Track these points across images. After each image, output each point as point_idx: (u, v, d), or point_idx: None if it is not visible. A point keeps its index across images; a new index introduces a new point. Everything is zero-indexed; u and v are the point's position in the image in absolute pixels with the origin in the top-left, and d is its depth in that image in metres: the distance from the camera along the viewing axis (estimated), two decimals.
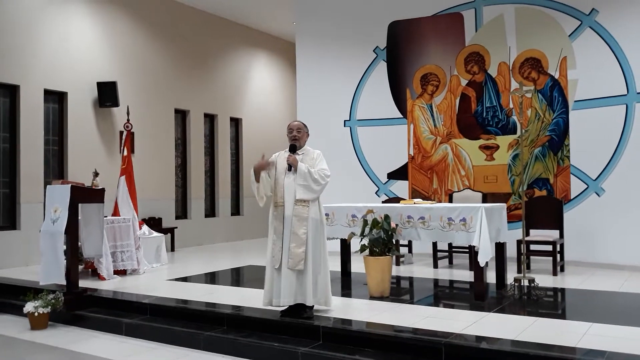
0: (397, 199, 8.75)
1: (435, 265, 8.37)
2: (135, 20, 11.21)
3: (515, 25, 9.09)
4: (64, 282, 6.61)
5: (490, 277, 6.54)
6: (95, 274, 7.83)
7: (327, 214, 6.63)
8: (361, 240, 6.29)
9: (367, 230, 6.21)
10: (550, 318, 5.26)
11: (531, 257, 7.93)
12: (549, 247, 7.52)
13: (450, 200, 8.46)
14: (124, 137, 8.85)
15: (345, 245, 7.55)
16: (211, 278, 8.09)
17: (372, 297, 6.17)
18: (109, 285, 7.34)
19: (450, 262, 8.67)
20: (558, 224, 7.84)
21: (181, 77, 12.18)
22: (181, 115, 12.38)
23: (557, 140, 8.74)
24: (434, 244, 8.34)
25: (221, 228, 13.06)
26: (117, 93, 10.24)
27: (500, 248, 6.58)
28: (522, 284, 6.22)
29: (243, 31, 13.86)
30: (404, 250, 8.84)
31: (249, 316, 5.53)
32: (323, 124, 10.12)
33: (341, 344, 4.85)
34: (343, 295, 6.39)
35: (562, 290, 6.74)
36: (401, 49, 10.08)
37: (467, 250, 8.16)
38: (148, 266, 8.64)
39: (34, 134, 9.41)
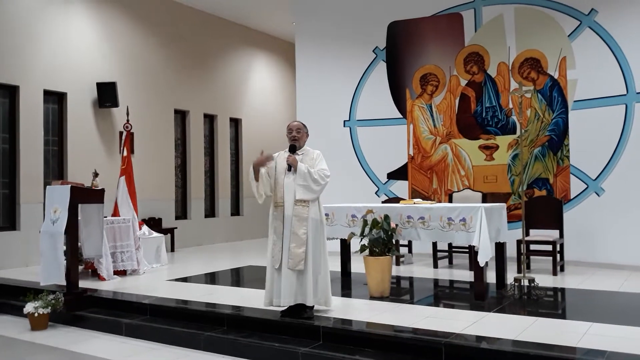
0: (396, 199, 8.75)
1: (435, 265, 8.38)
2: (134, 20, 11.21)
3: (514, 26, 9.10)
4: (64, 283, 6.61)
5: (490, 277, 6.55)
6: (95, 274, 7.83)
7: (327, 214, 6.63)
8: (361, 240, 6.29)
9: (367, 230, 6.22)
10: (551, 318, 5.26)
11: (531, 257, 7.93)
12: (549, 247, 7.52)
13: (450, 200, 8.46)
14: (123, 137, 8.85)
15: (345, 245, 7.56)
16: (211, 278, 8.09)
17: (372, 297, 6.17)
18: (109, 285, 7.34)
19: (450, 262, 8.67)
20: (558, 224, 7.84)
21: (181, 77, 12.18)
22: (181, 116, 12.38)
23: (557, 140, 8.74)
24: (434, 244, 8.34)
25: (221, 228, 13.07)
26: (116, 93, 10.24)
27: (500, 248, 6.58)
28: (522, 283, 6.22)
29: (243, 31, 13.87)
30: (403, 250, 8.85)
31: (249, 316, 5.53)
32: (323, 124, 10.12)
33: (341, 344, 4.86)
34: (343, 295, 6.39)
35: (562, 290, 6.75)
36: (401, 49, 10.08)
37: (467, 250, 8.16)
38: (148, 266, 8.64)
39: (34, 135, 9.41)
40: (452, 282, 7.51)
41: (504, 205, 6.80)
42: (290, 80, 14.79)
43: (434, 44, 9.80)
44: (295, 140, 5.40)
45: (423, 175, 9.80)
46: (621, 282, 6.94)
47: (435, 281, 7.51)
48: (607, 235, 8.13)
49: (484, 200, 8.13)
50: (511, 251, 7.21)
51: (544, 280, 6.88)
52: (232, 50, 13.60)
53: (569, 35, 8.67)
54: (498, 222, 6.37)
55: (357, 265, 7.28)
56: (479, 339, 4.57)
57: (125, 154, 8.68)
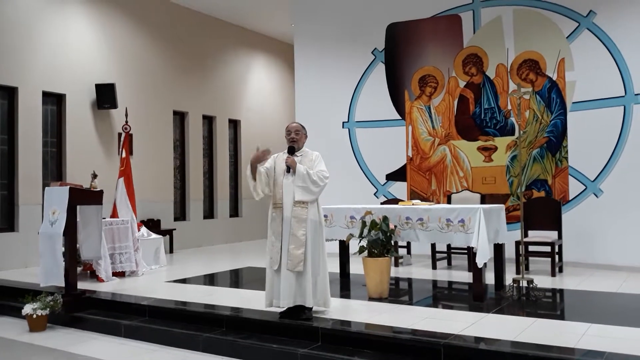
0: (395, 200, 8.75)
1: (434, 267, 8.38)
2: (133, 22, 11.22)
3: (513, 27, 9.11)
4: (63, 284, 6.60)
5: (489, 278, 6.56)
6: (93, 275, 7.82)
7: (325, 216, 6.62)
8: (360, 241, 6.29)
9: (365, 231, 6.22)
10: (549, 319, 5.27)
11: (530, 258, 7.93)
12: (548, 248, 7.53)
13: (449, 202, 8.47)
14: (122, 138, 8.85)
15: (344, 246, 7.56)
16: (210, 280, 8.09)
17: (370, 299, 6.18)
18: (108, 287, 7.34)
19: (449, 263, 8.68)
20: (556, 225, 7.85)
21: (179, 78, 12.18)
22: (180, 117, 12.38)
23: (555, 142, 8.75)
24: (433, 245, 8.35)
25: (220, 229, 13.06)
26: (115, 95, 10.24)
27: (498, 249, 6.59)
28: (520, 284, 6.22)
29: (241, 33, 13.87)
30: (402, 251, 8.85)
31: (248, 318, 5.53)
32: (322, 126, 10.12)
33: (340, 345, 4.86)
34: (342, 296, 6.40)
35: (561, 291, 6.75)
36: (399, 50, 10.09)
37: (466, 251, 8.16)
38: (147, 268, 8.64)
39: (33, 136, 9.40)
40: (450, 283, 7.52)
41: (502, 206, 6.80)
42: (289, 82, 14.80)
43: (432, 46, 9.81)
44: (294, 141, 5.41)
45: (422, 177, 9.81)
46: (620, 283, 6.95)
47: (434, 282, 7.51)
48: (606, 236, 8.14)
49: (483, 201, 8.13)
50: (510, 252, 7.21)
51: (543, 281, 6.89)
52: (231, 51, 13.60)
53: (567, 37, 8.68)
54: (497, 224, 6.37)
55: (356, 266, 7.28)
56: (478, 339, 4.57)
57: (124, 155, 8.68)
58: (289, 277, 5.17)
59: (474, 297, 6.07)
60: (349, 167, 10.25)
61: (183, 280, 7.82)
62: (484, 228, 5.87)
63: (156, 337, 5.68)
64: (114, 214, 8.43)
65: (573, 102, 8.61)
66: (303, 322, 5.15)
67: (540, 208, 8.03)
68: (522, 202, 6.71)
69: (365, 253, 6.21)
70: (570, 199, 8.58)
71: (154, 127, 11.48)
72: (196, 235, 12.35)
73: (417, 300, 6.49)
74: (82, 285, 7.10)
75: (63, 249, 6.72)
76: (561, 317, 5.65)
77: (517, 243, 7.25)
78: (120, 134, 9.83)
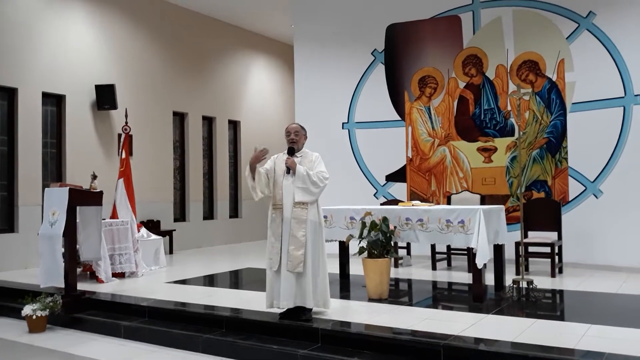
0: (395, 201, 8.75)
1: (434, 267, 8.38)
2: (133, 23, 11.22)
3: (512, 28, 9.11)
4: (62, 285, 6.60)
5: (489, 279, 6.56)
6: (93, 276, 7.82)
7: (325, 216, 6.63)
8: (359, 242, 6.29)
9: (365, 232, 6.22)
10: (549, 320, 5.27)
11: (529, 259, 7.92)
12: (548, 249, 7.53)
13: (449, 203, 8.46)
14: (122, 139, 8.86)
15: (343, 247, 7.56)
16: (210, 281, 8.08)
17: (370, 299, 6.17)
18: (107, 288, 7.34)
19: (449, 264, 8.68)
20: (556, 226, 7.85)
21: (179, 79, 12.18)
22: (179, 118, 12.38)
23: (555, 143, 8.75)
24: (433, 246, 8.34)
25: (219, 230, 13.06)
26: (115, 96, 10.24)
27: (498, 250, 6.59)
28: (520, 285, 6.22)
29: (241, 34, 13.88)
30: (402, 252, 8.85)
31: (247, 319, 5.52)
32: (321, 127, 10.12)
33: (340, 346, 4.85)
34: (342, 297, 6.40)
35: (561, 291, 6.75)
36: (399, 51, 10.09)
37: (466, 252, 8.16)
38: (146, 269, 8.63)
39: (32, 137, 9.40)
40: (450, 284, 7.51)
41: (502, 207, 6.81)
42: (288, 83, 14.80)
43: (432, 47, 9.81)
44: (294, 142, 5.41)
45: (421, 178, 9.81)
46: (619, 284, 6.95)
47: (434, 283, 7.51)
48: (606, 237, 8.14)
49: (483, 202, 8.13)
50: (510, 253, 7.21)
51: (543, 282, 6.89)
52: (231, 52, 13.61)
53: (567, 38, 8.68)
54: (496, 224, 6.37)
55: (356, 267, 7.28)
56: (478, 340, 4.57)
57: (123, 156, 8.68)
58: (289, 278, 5.17)
59: (474, 298, 6.07)
60: (348, 168, 10.25)
61: (183, 281, 7.82)
62: (483, 229, 5.87)
63: (156, 338, 5.68)
64: (114, 215, 8.44)
65: (573, 103, 8.62)
66: (303, 323, 5.14)
67: (540, 209, 8.03)
68: (522, 203, 6.72)
69: (365, 254, 6.21)
70: (570, 199, 8.58)
71: (153, 128, 11.48)
72: (196, 236, 12.35)
73: (417, 301, 6.49)
74: (81, 286, 7.09)
75: (63, 249, 6.72)
76: (561, 317, 5.65)
77: (517, 244, 7.26)
78: (120, 135, 9.84)
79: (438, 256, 8.46)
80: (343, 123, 10.49)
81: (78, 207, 6.96)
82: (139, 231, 8.76)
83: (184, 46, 12.30)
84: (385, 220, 6.25)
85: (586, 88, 8.49)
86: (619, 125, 8.15)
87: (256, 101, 14.34)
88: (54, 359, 5.42)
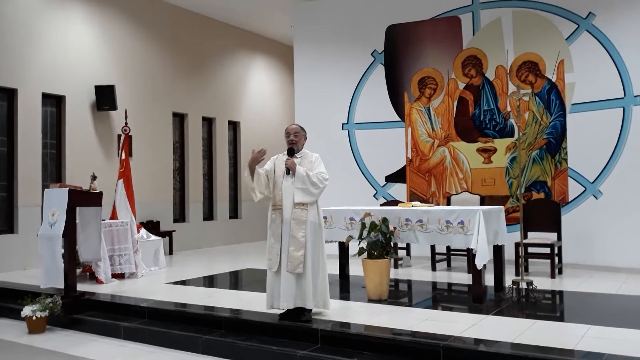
0: (395, 202, 8.75)
1: (434, 268, 8.37)
2: (133, 23, 11.22)
3: (512, 29, 9.11)
4: (62, 286, 6.60)
5: (489, 279, 6.55)
6: (93, 277, 7.82)
7: (325, 217, 6.63)
8: (359, 243, 6.29)
9: (365, 233, 6.22)
10: (549, 320, 5.27)
11: (529, 260, 7.93)
12: (547, 250, 7.53)
13: (448, 203, 8.46)
14: (121, 140, 8.86)
15: (343, 248, 7.55)
16: (209, 281, 8.08)
17: (370, 300, 6.17)
18: (107, 288, 7.34)
19: (449, 265, 8.68)
20: (556, 227, 7.85)
21: (179, 80, 12.18)
22: (179, 119, 12.38)
23: (555, 143, 8.75)
24: (432, 247, 8.34)
25: (219, 231, 13.06)
26: (115, 96, 10.24)
27: (498, 251, 6.59)
28: (520, 286, 6.22)
29: (241, 34, 13.88)
30: (402, 253, 8.85)
31: (247, 319, 5.52)
32: (321, 127, 10.12)
33: (339, 347, 4.85)
34: (341, 298, 6.40)
35: (560, 292, 6.75)
36: (399, 52, 10.09)
37: (466, 253, 8.16)
38: (146, 269, 8.63)
39: (32, 138, 9.40)
40: (450, 284, 7.50)
41: (502, 208, 6.81)
42: (288, 83, 14.80)
43: (432, 48, 9.82)
44: (294, 143, 5.41)
45: (421, 178, 9.81)
46: (619, 285, 6.95)
47: (434, 284, 7.50)
48: (605, 238, 8.14)
49: (482, 203, 8.13)
50: (509, 254, 7.21)
51: (542, 282, 6.89)
52: (231, 53, 13.61)
53: (566, 39, 8.69)
54: (496, 225, 6.37)
55: (356, 268, 7.27)
56: (477, 341, 4.57)
57: (123, 157, 8.68)
58: (289, 279, 5.17)
59: (474, 299, 6.07)
60: (348, 168, 10.25)
61: (182, 282, 7.82)
62: (483, 230, 5.87)
63: (155, 339, 5.68)
64: (114, 216, 8.43)
65: (572, 104, 8.62)
66: (302, 324, 5.14)
67: (540, 210, 8.03)
68: (522, 203, 6.71)
69: (365, 255, 6.21)
70: (569, 200, 8.58)
71: (153, 129, 11.47)
72: (196, 236, 12.35)
73: (417, 302, 6.49)
74: (81, 287, 7.09)
75: (62, 250, 6.72)
76: (561, 318, 5.65)
77: (517, 245, 7.26)
78: (119, 136, 9.84)
79: (438, 257, 8.46)
80: (343, 124, 10.49)
81: (78, 208, 6.96)
82: (138, 232, 8.75)
83: (184, 47, 12.31)
84: (385, 221, 6.25)
85: (586, 89, 8.49)
86: (618, 126, 8.15)
87: (256, 102, 14.34)
88: (53, 359, 5.42)
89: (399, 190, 9.93)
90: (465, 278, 7.52)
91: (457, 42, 9.56)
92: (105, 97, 10.24)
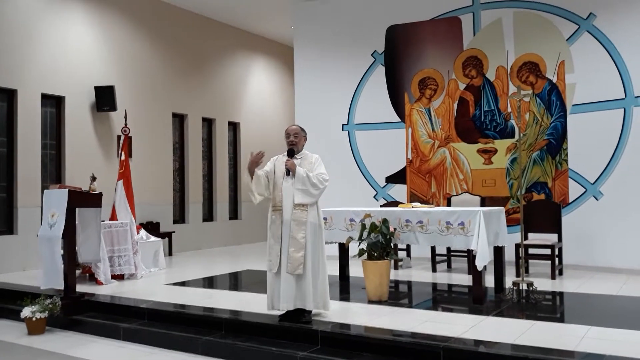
0: (395, 203, 8.72)
1: (434, 269, 8.36)
2: (133, 24, 11.21)
3: (513, 30, 9.11)
4: (62, 287, 6.59)
5: (489, 281, 6.54)
6: (92, 278, 7.81)
7: (325, 218, 6.62)
8: (359, 244, 6.28)
9: (365, 234, 6.21)
10: (549, 322, 5.26)
11: (530, 261, 7.92)
12: (548, 251, 7.51)
13: (449, 204, 8.45)
14: (121, 141, 8.85)
15: (343, 249, 7.54)
16: (209, 282, 8.07)
17: (370, 302, 6.16)
18: (107, 290, 7.33)
19: (449, 266, 8.67)
20: (556, 228, 7.84)
21: (179, 81, 12.18)
22: (179, 120, 12.37)
23: (555, 144, 8.74)
24: (432, 248, 8.32)
25: (219, 232, 13.04)
26: (114, 97, 10.23)
27: (498, 252, 6.58)
28: (520, 287, 6.20)
29: (241, 35, 13.87)
30: (402, 254, 8.84)
31: (247, 321, 5.51)
32: (321, 128, 10.11)
33: (339, 349, 4.84)
34: (341, 299, 6.39)
35: (561, 293, 6.74)
36: (399, 53, 10.09)
37: (466, 254, 8.15)
38: (146, 271, 8.62)
39: (32, 138, 9.39)
40: (450, 286, 7.49)
41: (502, 209, 6.80)
42: (288, 84, 14.80)
43: (432, 48, 9.81)
44: (294, 144, 5.41)
45: (421, 179, 9.80)
46: (619, 286, 6.93)
47: (434, 285, 7.49)
48: (606, 239, 8.13)
49: (483, 204, 8.12)
50: (510, 255, 7.20)
51: (543, 284, 6.87)
52: (231, 53, 13.60)
53: (567, 40, 8.68)
54: (497, 226, 6.36)
55: (356, 269, 7.26)
56: (478, 343, 4.56)
57: (123, 157, 8.67)
58: (289, 280, 5.16)
59: (474, 300, 6.06)
60: (348, 169, 10.24)
61: (182, 283, 7.80)
62: (483, 231, 5.86)
63: (155, 340, 5.66)
64: (113, 217, 8.43)
65: (573, 105, 8.61)
66: (302, 325, 5.13)
67: (540, 211, 8.02)
68: (522, 204, 6.70)
69: (365, 256, 6.20)
70: (570, 201, 8.57)
71: (153, 130, 11.47)
72: (195, 237, 12.34)
73: (417, 303, 6.47)
74: (81, 288, 7.08)
75: (62, 251, 6.71)
76: (561, 319, 5.64)
77: (517, 246, 7.25)
78: (119, 137, 9.83)
79: (438, 258, 8.45)
80: (343, 124, 10.48)
81: (77, 209, 6.95)
82: (138, 233, 8.74)
83: (184, 47, 12.30)
84: (385, 222, 6.24)
85: (586, 90, 8.48)
86: (619, 127, 8.14)
87: (256, 102, 14.33)
88: None
89: (399, 191, 9.92)
90: (466, 279, 7.51)
91: (458, 42, 9.55)
92: (105, 98, 10.24)
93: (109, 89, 10.25)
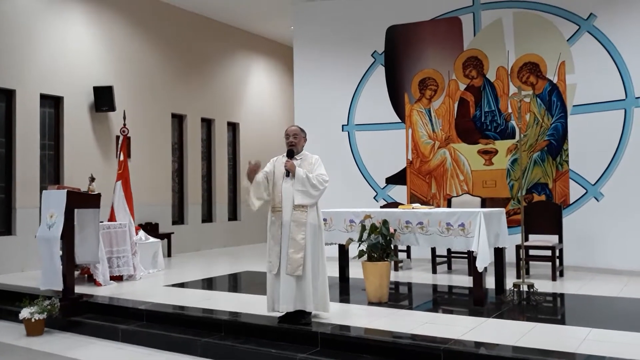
0: (395, 204, 8.70)
1: (434, 271, 8.34)
2: (132, 24, 11.19)
3: (513, 30, 9.09)
4: (61, 288, 6.56)
5: (490, 282, 6.52)
6: (91, 279, 7.79)
7: (325, 219, 6.60)
8: (359, 245, 6.26)
9: (365, 235, 6.18)
10: (550, 323, 5.25)
11: (530, 262, 7.89)
12: (548, 252, 7.49)
13: (449, 205, 8.43)
14: (120, 141, 8.82)
15: (343, 250, 7.52)
16: (208, 284, 8.05)
17: (370, 303, 6.14)
18: (105, 291, 7.30)
19: (449, 268, 8.65)
20: (557, 229, 7.82)
21: (178, 81, 12.15)
22: (178, 120, 12.34)
23: (556, 145, 8.72)
24: (433, 249, 8.30)
25: (218, 233, 13.02)
26: (113, 97, 10.21)
27: (499, 253, 6.56)
28: (521, 289, 6.18)
29: (241, 35, 13.85)
30: (402, 255, 8.81)
31: (246, 322, 5.48)
32: (321, 129, 10.09)
33: (339, 350, 4.82)
34: (341, 301, 6.37)
35: (562, 295, 6.72)
36: (399, 53, 10.07)
37: (466, 255, 8.13)
38: (144, 272, 8.59)
39: (30, 139, 9.37)
40: (450, 287, 7.48)
41: (503, 210, 6.78)
42: (288, 85, 14.78)
43: (432, 49, 9.79)
44: (293, 145, 5.38)
45: (422, 180, 9.78)
46: (620, 287, 6.92)
47: (434, 287, 7.47)
48: (607, 240, 8.11)
49: (483, 205, 8.10)
50: (510, 256, 7.18)
51: (543, 285, 6.85)
52: (230, 54, 13.58)
53: (568, 40, 8.66)
54: (497, 227, 6.34)
55: (356, 270, 7.24)
56: (478, 344, 4.54)
57: (121, 158, 8.64)
58: (289, 282, 5.14)
59: (474, 302, 6.04)
60: (348, 170, 10.22)
61: (181, 285, 7.78)
62: (484, 232, 5.84)
63: (154, 341, 5.64)
64: (112, 218, 8.40)
65: (574, 105, 8.59)
66: (302, 327, 5.11)
67: (541, 212, 8.00)
68: (523, 205, 6.68)
69: (365, 257, 6.18)
70: (570, 202, 8.55)
71: (152, 130, 11.44)
72: (194, 239, 12.31)
73: (417, 305, 6.45)
74: (79, 289, 7.05)
75: (61, 252, 6.68)
76: (562, 321, 5.63)
77: (518, 247, 7.23)
78: (118, 137, 9.80)
79: (438, 259, 8.43)
80: (343, 125, 10.46)
81: (76, 210, 6.93)
82: (137, 234, 8.71)
83: (183, 48, 12.28)
84: (385, 223, 6.22)
85: (587, 90, 8.46)
86: (620, 128, 8.12)
87: (255, 103, 14.31)
88: None
89: (399, 192, 9.90)
90: (466, 281, 7.49)
91: (458, 43, 9.54)
92: (103, 98, 10.22)
93: (107, 89, 10.23)
